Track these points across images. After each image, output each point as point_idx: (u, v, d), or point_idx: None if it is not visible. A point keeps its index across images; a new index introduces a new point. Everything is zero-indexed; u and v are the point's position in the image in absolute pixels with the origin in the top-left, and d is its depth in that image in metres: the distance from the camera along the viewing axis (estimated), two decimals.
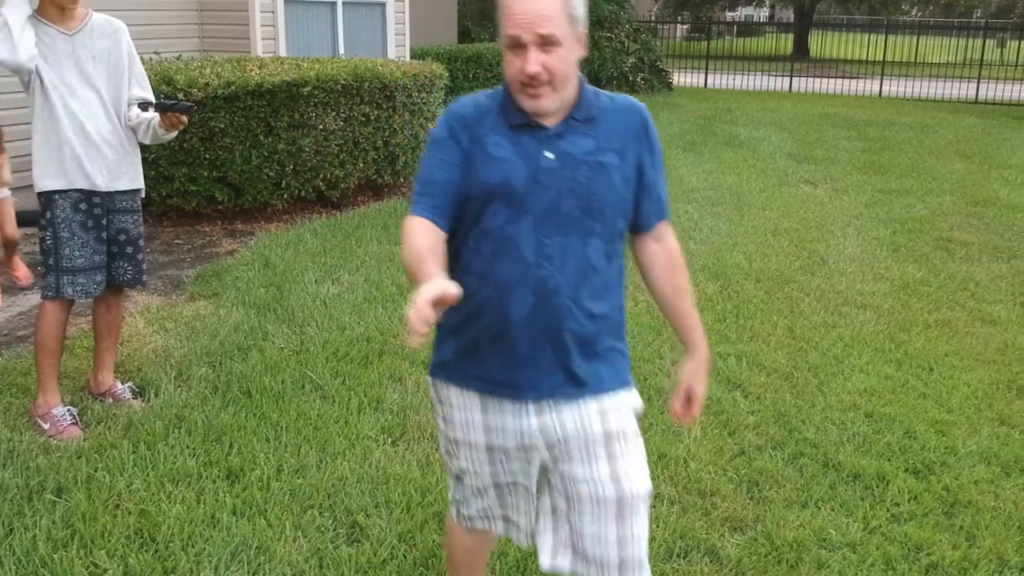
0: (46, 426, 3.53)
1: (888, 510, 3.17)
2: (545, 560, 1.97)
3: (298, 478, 3.24)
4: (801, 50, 31.99)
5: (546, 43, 1.74)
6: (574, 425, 1.91)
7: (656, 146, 1.97)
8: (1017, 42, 25.09)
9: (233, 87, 6.29)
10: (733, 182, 8.94)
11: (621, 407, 1.95)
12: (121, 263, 3.69)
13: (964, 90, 18.32)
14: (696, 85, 20.32)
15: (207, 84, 6.23)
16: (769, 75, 21.26)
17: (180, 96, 5.98)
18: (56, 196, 3.50)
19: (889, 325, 5.04)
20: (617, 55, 16.49)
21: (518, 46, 1.76)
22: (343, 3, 9.47)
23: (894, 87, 19.00)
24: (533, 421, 1.91)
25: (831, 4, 38.95)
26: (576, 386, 1.91)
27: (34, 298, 4.88)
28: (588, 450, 1.90)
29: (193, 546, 2.82)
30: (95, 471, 3.22)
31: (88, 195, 3.53)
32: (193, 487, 3.15)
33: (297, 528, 2.94)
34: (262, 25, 8.46)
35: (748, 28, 45.19)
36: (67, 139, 3.45)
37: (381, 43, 10.08)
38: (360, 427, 3.61)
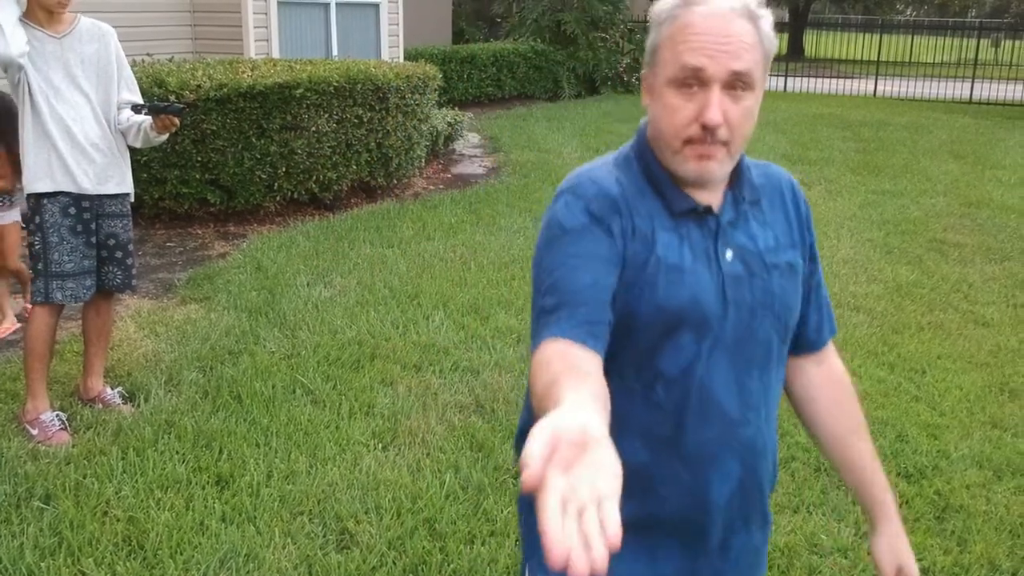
0: (35, 432, 3.51)
1: None
2: None
3: (288, 484, 3.22)
4: (796, 50, 32.01)
5: (737, 83, 1.23)
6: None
7: (815, 235, 1.49)
8: (1011, 42, 25.13)
9: (225, 89, 6.27)
10: None
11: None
12: (111, 268, 3.67)
13: (959, 90, 18.34)
14: None
15: (199, 86, 6.21)
16: None
17: (171, 98, 5.96)
18: (45, 200, 3.48)
19: (882, 327, 5.03)
20: (612, 55, 16.48)
21: (695, 82, 1.23)
22: (336, 4, 9.46)
23: (889, 87, 19.02)
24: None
25: (826, 4, 38.99)
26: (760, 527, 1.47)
27: (22, 302, 4.85)
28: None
29: (181, 553, 2.80)
30: (84, 478, 3.20)
31: (77, 199, 3.51)
32: (182, 493, 3.14)
33: (286, 535, 2.93)
34: (255, 27, 8.44)
35: None
36: (53, 143, 3.43)
37: (375, 44, 10.06)
38: (351, 432, 3.60)
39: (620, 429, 1.20)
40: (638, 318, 1.28)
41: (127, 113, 3.59)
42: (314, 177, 6.88)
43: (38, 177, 3.47)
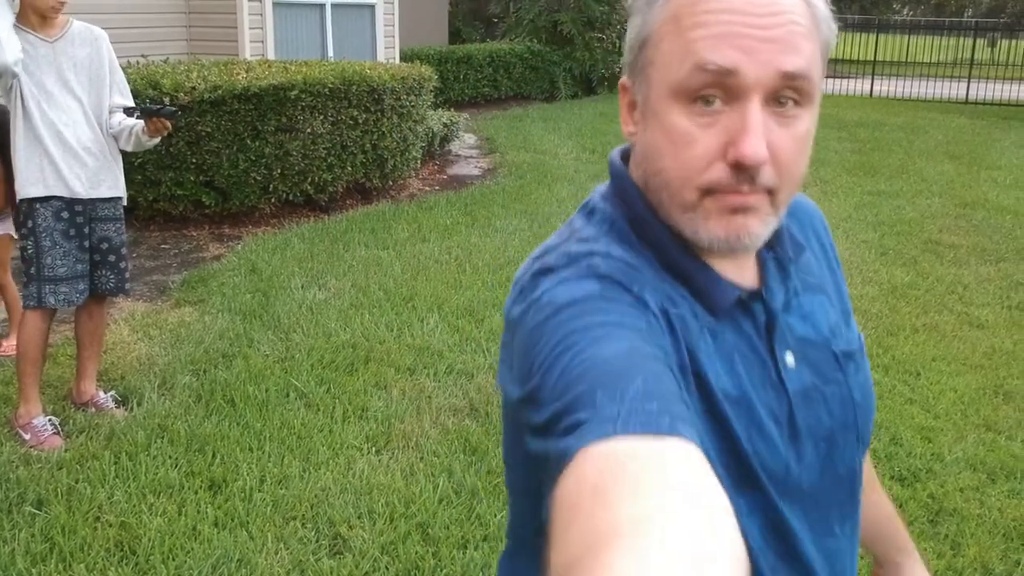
0: (27, 436, 3.50)
1: None
2: None
3: (281, 488, 3.21)
4: None
5: (789, 93, 0.79)
6: None
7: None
8: (1007, 41, 25.17)
9: (220, 91, 6.26)
10: None
11: None
12: (104, 271, 3.67)
13: (955, 90, 18.36)
14: None
15: (193, 88, 6.20)
16: None
17: (166, 100, 5.95)
18: (37, 204, 3.48)
19: (877, 330, 5.03)
20: (608, 56, 16.48)
21: (718, 94, 0.79)
22: (332, 5, 9.45)
23: (885, 87, 19.03)
24: None
25: None
26: None
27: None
28: None
29: (174, 559, 2.80)
30: (76, 483, 3.20)
31: (70, 203, 3.51)
32: (175, 498, 3.13)
33: (279, 540, 2.92)
34: (250, 28, 8.43)
35: None
36: (45, 148, 3.43)
37: (371, 45, 10.05)
38: (344, 436, 3.59)
39: None
40: None
41: (119, 116, 3.59)
42: (309, 179, 6.87)
43: (30, 182, 3.46)
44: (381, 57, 10.04)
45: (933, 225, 7.51)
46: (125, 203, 3.74)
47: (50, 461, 3.34)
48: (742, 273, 0.90)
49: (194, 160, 6.37)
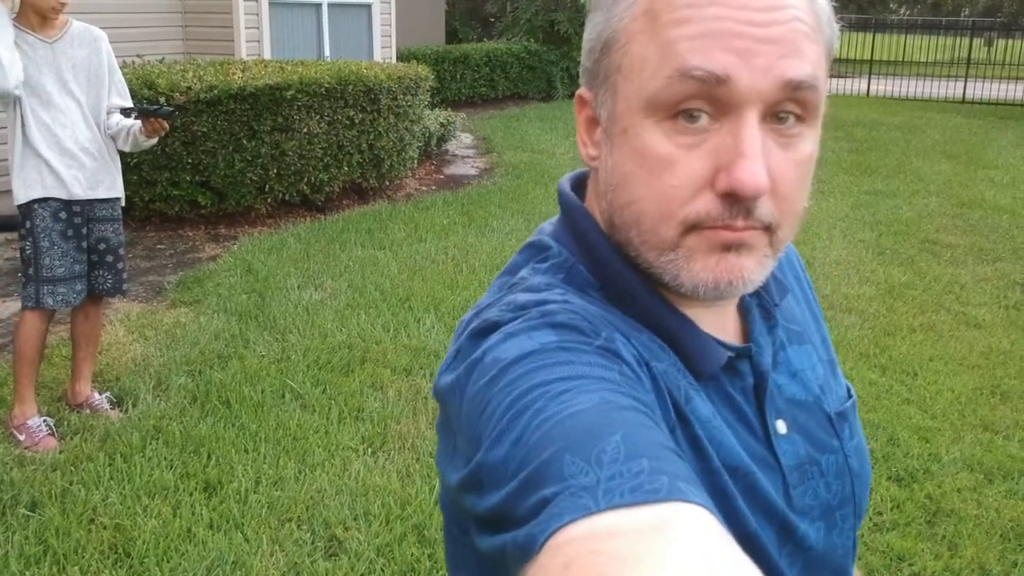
0: (22, 437, 3.49)
1: (871, 519, 3.15)
2: None
3: (276, 490, 3.20)
4: None
5: (791, 107, 0.66)
6: None
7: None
8: (1004, 41, 25.20)
9: (215, 91, 6.25)
10: None
11: None
12: (101, 272, 3.66)
13: (951, 89, 18.37)
14: None
15: (189, 88, 6.18)
16: None
17: (161, 100, 5.93)
18: (35, 206, 3.47)
19: (874, 329, 5.03)
20: None
21: (705, 107, 0.65)
22: (328, 4, 9.43)
23: (882, 86, 19.04)
24: None
25: None
26: None
27: (12, 306, 4.83)
28: None
29: (168, 561, 2.78)
30: (70, 484, 3.18)
31: (67, 204, 3.51)
32: (169, 500, 3.12)
33: (274, 542, 2.91)
34: (246, 27, 8.41)
35: None
36: (40, 154, 3.43)
37: (367, 44, 10.03)
38: (340, 437, 3.58)
39: None
40: None
41: (116, 117, 3.59)
42: (305, 179, 6.85)
43: (28, 184, 3.46)
44: (378, 57, 10.02)
45: (930, 225, 7.51)
46: (123, 204, 3.74)
47: (44, 463, 3.32)
48: (724, 324, 0.77)
49: (190, 160, 6.36)
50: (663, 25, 0.65)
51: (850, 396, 0.87)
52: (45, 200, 3.47)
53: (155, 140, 3.60)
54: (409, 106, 7.76)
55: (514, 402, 0.59)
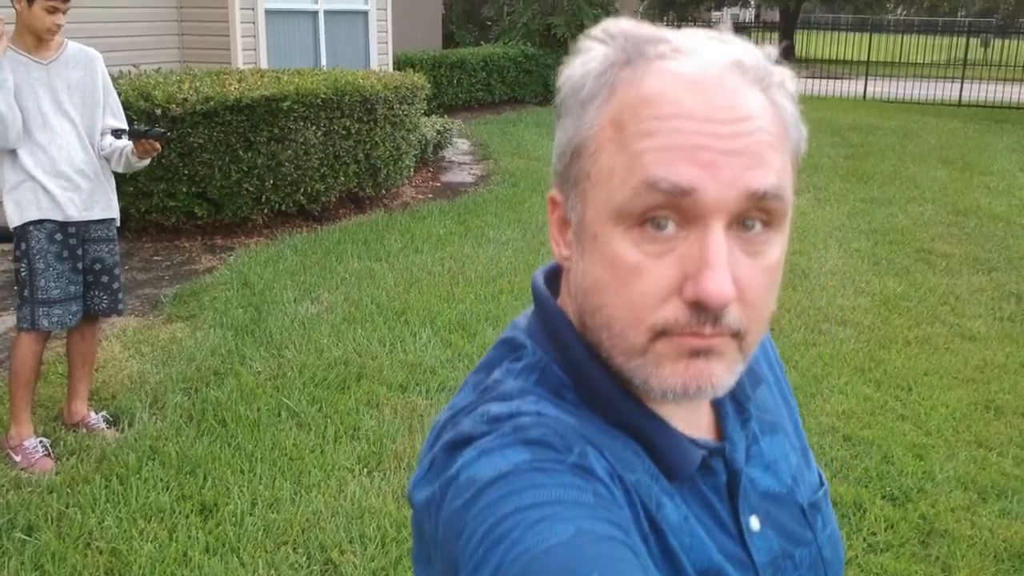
0: (18, 458, 3.49)
1: (865, 540, 3.16)
2: None
3: (272, 512, 3.21)
4: (786, 51, 32.02)
5: (756, 216, 0.67)
6: None
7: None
8: (1000, 42, 25.24)
9: (212, 102, 6.25)
10: None
11: None
12: (97, 292, 3.66)
13: (948, 91, 18.39)
14: None
15: (185, 99, 6.19)
16: None
17: (158, 112, 5.93)
18: (31, 227, 3.48)
19: (869, 342, 5.04)
20: None
21: (671, 217, 0.66)
22: (325, 13, 9.43)
23: (879, 88, 19.06)
24: None
25: (816, 4, 39.07)
26: None
27: (8, 320, 4.83)
28: None
29: None
30: (66, 507, 3.19)
31: (63, 225, 3.52)
32: (166, 523, 3.12)
33: (270, 566, 2.92)
34: (243, 36, 8.41)
35: (734, 28, 45.26)
36: (33, 172, 3.43)
37: (364, 52, 10.03)
38: (336, 457, 3.59)
39: None
40: None
41: (109, 139, 3.60)
42: (302, 189, 6.86)
43: (23, 206, 3.46)
44: (374, 64, 10.02)
45: (926, 233, 7.52)
46: (118, 224, 3.74)
47: (40, 485, 3.33)
48: (697, 421, 0.77)
49: (186, 171, 6.36)
50: (629, 136, 0.66)
51: (822, 484, 0.88)
52: (40, 222, 3.47)
53: (147, 161, 3.61)
54: (405, 115, 7.77)
55: (489, 531, 0.60)
